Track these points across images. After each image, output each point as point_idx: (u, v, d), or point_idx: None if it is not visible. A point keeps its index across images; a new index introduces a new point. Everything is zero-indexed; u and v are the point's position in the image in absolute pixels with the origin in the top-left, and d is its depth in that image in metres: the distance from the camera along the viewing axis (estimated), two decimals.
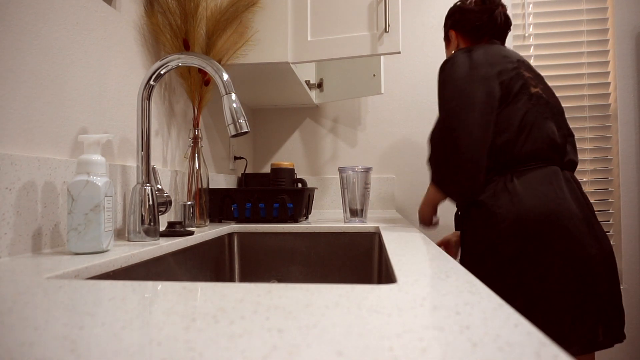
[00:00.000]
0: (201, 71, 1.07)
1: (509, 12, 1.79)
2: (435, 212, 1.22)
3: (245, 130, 0.78)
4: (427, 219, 1.23)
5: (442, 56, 1.84)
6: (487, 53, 1.05)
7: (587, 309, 0.91)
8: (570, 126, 1.80)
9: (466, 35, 1.18)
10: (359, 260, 1.09)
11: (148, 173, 0.80)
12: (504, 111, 1.01)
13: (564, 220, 0.93)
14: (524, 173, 0.99)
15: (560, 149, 1.02)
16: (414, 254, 0.62)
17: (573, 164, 1.07)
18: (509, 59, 1.05)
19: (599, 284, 0.93)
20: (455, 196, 1.05)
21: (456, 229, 1.23)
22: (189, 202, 1.01)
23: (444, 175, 1.02)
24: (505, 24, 1.16)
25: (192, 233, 0.89)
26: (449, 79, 1.04)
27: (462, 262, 1.08)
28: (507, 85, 1.01)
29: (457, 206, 1.13)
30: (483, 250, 0.99)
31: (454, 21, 1.19)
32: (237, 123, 0.77)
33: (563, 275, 0.92)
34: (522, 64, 1.06)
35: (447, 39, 1.25)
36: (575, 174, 1.81)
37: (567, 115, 1.81)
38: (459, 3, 1.20)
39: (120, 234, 0.86)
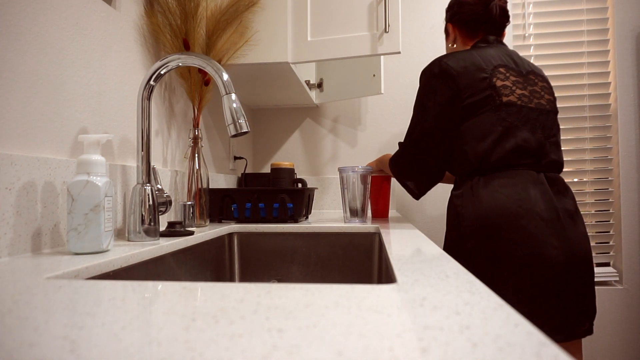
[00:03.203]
0: (201, 71, 1.06)
1: (509, 12, 1.79)
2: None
3: (245, 130, 0.78)
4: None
5: None
6: (459, 63, 1.06)
7: (537, 306, 0.94)
8: (571, 126, 1.80)
9: (462, 28, 1.18)
10: (359, 260, 1.09)
11: (148, 173, 0.80)
12: (468, 123, 1.05)
13: (522, 221, 0.95)
14: (491, 177, 1.02)
15: (535, 153, 1.03)
16: (414, 253, 0.62)
17: (555, 164, 1.07)
18: (481, 68, 1.05)
19: (557, 285, 0.94)
20: (409, 187, 1.18)
21: None
22: (189, 202, 1.01)
23: (402, 176, 1.17)
24: (501, 17, 1.16)
25: (192, 233, 0.89)
26: (421, 89, 1.12)
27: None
28: (474, 97, 1.04)
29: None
30: (451, 244, 1.06)
31: (452, 14, 1.20)
32: (237, 123, 0.77)
33: (517, 273, 0.94)
34: (497, 71, 1.06)
35: (446, 31, 1.26)
36: (576, 174, 1.81)
37: (567, 115, 1.81)
38: None
39: (120, 234, 0.86)
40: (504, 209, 0.97)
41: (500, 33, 1.19)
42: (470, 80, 1.05)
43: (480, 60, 1.07)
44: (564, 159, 1.79)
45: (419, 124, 1.10)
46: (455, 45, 1.22)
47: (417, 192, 1.15)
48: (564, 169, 1.81)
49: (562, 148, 1.80)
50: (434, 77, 1.08)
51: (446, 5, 1.84)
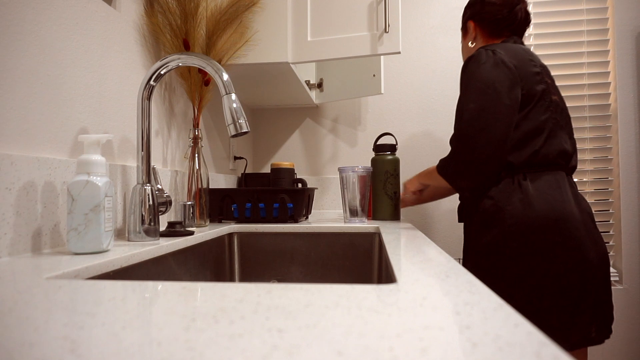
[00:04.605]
0: (201, 71, 1.06)
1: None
2: (422, 191, 1.29)
3: (245, 130, 0.78)
4: (412, 192, 1.28)
5: (442, 56, 1.84)
6: (509, 54, 1.04)
7: (583, 309, 0.94)
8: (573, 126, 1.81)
9: (485, 27, 1.16)
10: (359, 260, 1.09)
11: (148, 173, 0.80)
12: (523, 114, 1.01)
13: (568, 225, 0.95)
14: (537, 176, 1.00)
15: (568, 157, 1.04)
16: (414, 254, 0.62)
17: (573, 168, 1.09)
18: (533, 63, 1.04)
19: (596, 286, 0.95)
20: (464, 189, 1.08)
21: (459, 220, 1.21)
22: (189, 202, 1.01)
23: (461, 169, 1.02)
24: (525, 20, 1.15)
25: (192, 233, 0.89)
26: (475, 75, 1.03)
27: (465, 253, 1.09)
28: (530, 89, 1.01)
29: (461, 198, 1.15)
30: (488, 243, 1.01)
31: (474, 12, 1.18)
32: (237, 123, 0.77)
33: (562, 277, 0.94)
34: (544, 70, 1.06)
35: (464, 29, 1.23)
36: (576, 174, 1.81)
37: None
38: None
39: (120, 234, 0.86)
40: (555, 216, 0.95)
41: (522, 37, 1.18)
42: (524, 72, 1.01)
43: (527, 53, 1.05)
44: None
45: (492, 103, 0.98)
46: (475, 45, 1.19)
47: (482, 185, 1.02)
48: None
49: None
50: (483, 61, 1.02)
51: (446, 7, 1.84)
